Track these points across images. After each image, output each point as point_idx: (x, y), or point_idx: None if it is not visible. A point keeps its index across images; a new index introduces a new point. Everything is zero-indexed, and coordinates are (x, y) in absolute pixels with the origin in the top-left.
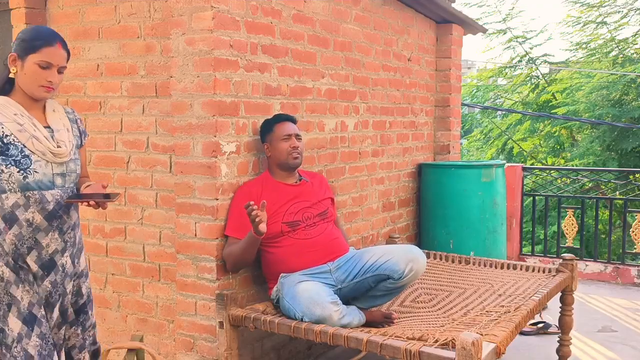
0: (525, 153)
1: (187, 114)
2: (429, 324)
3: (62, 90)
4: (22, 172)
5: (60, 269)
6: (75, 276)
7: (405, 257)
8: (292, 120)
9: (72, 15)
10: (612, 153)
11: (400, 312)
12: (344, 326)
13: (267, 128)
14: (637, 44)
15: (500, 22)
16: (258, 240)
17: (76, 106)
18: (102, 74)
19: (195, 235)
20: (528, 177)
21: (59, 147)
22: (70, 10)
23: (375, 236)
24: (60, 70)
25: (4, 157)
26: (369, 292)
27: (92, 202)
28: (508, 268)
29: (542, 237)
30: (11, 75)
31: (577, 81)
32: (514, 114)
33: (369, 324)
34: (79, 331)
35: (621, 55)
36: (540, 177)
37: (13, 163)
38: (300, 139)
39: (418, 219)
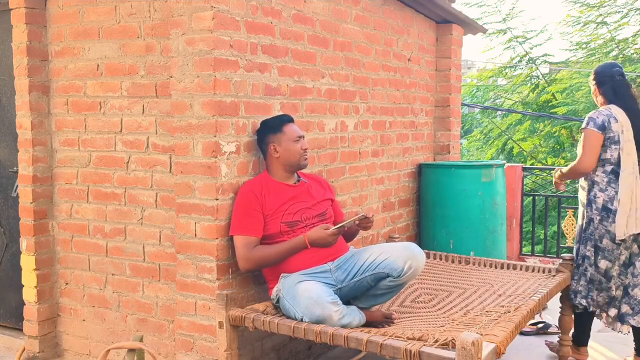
0: (525, 153)
1: (187, 114)
2: (429, 324)
3: (62, 90)
4: None
5: None
6: None
7: (404, 254)
8: (293, 121)
9: (72, 15)
10: None
11: (400, 312)
12: (344, 326)
13: (274, 129)
14: (637, 44)
15: (500, 22)
16: (306, 247)
17: (76, 106)
18: (102, 74)
19: (195, 235)
20: (528, 177)
21: None
22: (70, 10)
23: (375, 236)
24: None
25: None
26: (370, 291)
27: None
28: (508, 268)
29: (542, 237)
30: None
31: (577, 81)
32: (514, 114)
33: (369, 324)
34: None
35: (621, 55)
36: (540, 177)
37: None
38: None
39: (418, 219)
